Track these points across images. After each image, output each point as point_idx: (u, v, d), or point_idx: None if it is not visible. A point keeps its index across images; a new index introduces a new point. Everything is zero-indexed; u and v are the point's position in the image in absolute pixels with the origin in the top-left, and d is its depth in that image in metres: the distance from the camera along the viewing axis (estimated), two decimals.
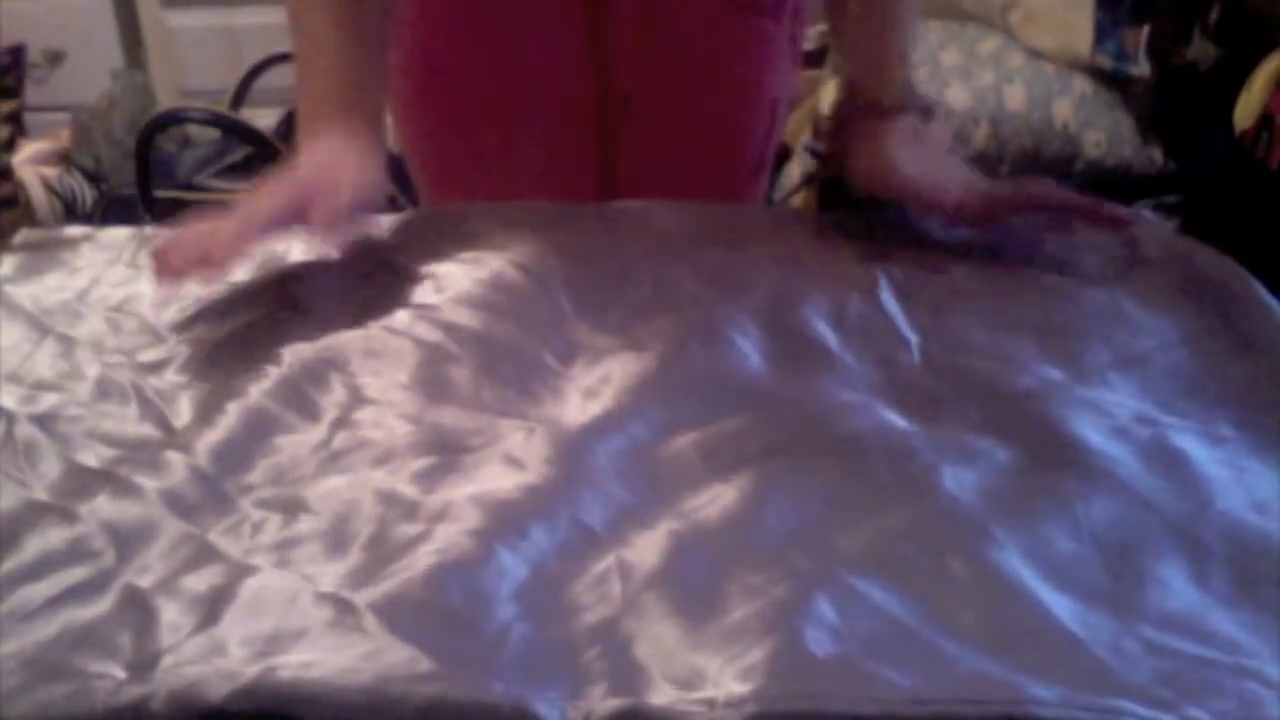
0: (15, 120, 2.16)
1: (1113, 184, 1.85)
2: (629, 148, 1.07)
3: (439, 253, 0.87)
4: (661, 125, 1.06)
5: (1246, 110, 1.50)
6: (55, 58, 2.52)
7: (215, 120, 1.72)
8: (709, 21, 1.04)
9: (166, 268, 0.73)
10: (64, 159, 2.09)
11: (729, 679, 0.48)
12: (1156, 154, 1.85)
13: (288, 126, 1.80)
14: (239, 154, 1.78)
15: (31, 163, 2.06)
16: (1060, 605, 0.53)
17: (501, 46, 1.03)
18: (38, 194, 2.00)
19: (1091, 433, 0.65)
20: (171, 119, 1.72)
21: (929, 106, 0.93)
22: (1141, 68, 1.82)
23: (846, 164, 0.91)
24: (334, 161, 0.82)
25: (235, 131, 1.72)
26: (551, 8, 1.02)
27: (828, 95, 1.03)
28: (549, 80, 1.04)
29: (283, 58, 1.88)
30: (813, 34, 1.62)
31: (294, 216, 0.78)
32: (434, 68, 1.04)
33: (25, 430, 0.65)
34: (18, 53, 2.23)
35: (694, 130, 1.07)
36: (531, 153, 1.06)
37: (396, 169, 1.69)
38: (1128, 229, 0.86)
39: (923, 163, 0.88)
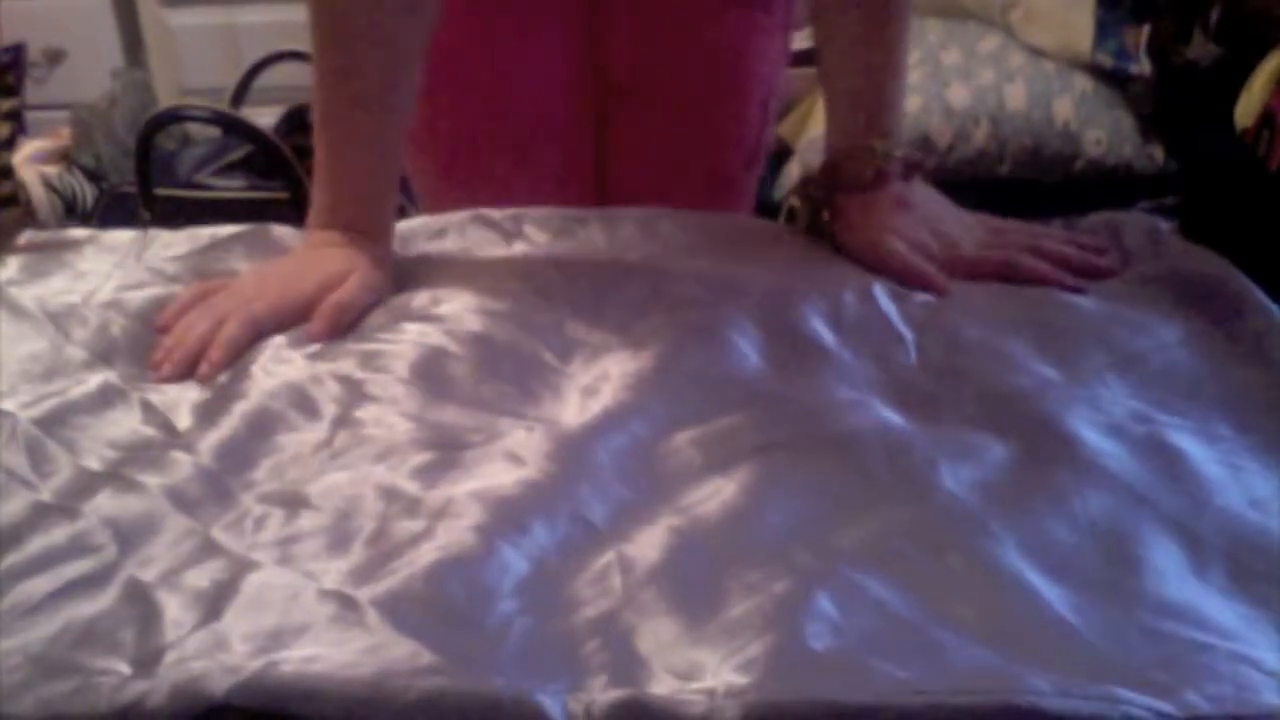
0: (15, 118, 2.16)
1: (1113, 183, 1.85)
2: (625, 138, 1.08)
3: (439, 255, 0.88)
4: (658, 116, 1.07)
5: (1247, 109, 1.50)
6: (55, 56, 2.52)
7: (215, 118, 1.71)
8: (704, 12, 1.04)
9: (159, 374, 0.73)
10: (64, 157, 2.09)
11: (729, 672, 0.49)
12: (1157, 153, 1.85)
13: (288, 124, 1.79)
14: (239, 152, 1.78)
15: (32, 161, 2.06)
16: (1057, 596, 0.53)
17: (499, 39, 1.02)
18: (38, 192, 2.00)
19: (1088, 430, 0.66)
20: (172, 117, 1.71)
21: (914, 163, 0.90)
22: (1142, 66, 1.82)
23: (835, 237, 0.90)
24: (344, 267, 0.81)
25: (235, 130, 1.71)
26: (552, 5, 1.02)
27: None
28: (547, 71, 1.04)
29: (282, 56, 1.88)
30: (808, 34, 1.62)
31: (295, 323, 0.78)
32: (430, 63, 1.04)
33: (29, 432, 0.65)
34: (18, 51, 2.23)
35: (690, 121, 1.07)
36: (529, 143, 1.05)
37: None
38: (1110, 276, 0.84)
39: (910, 232, 0.86)
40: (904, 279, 0.84)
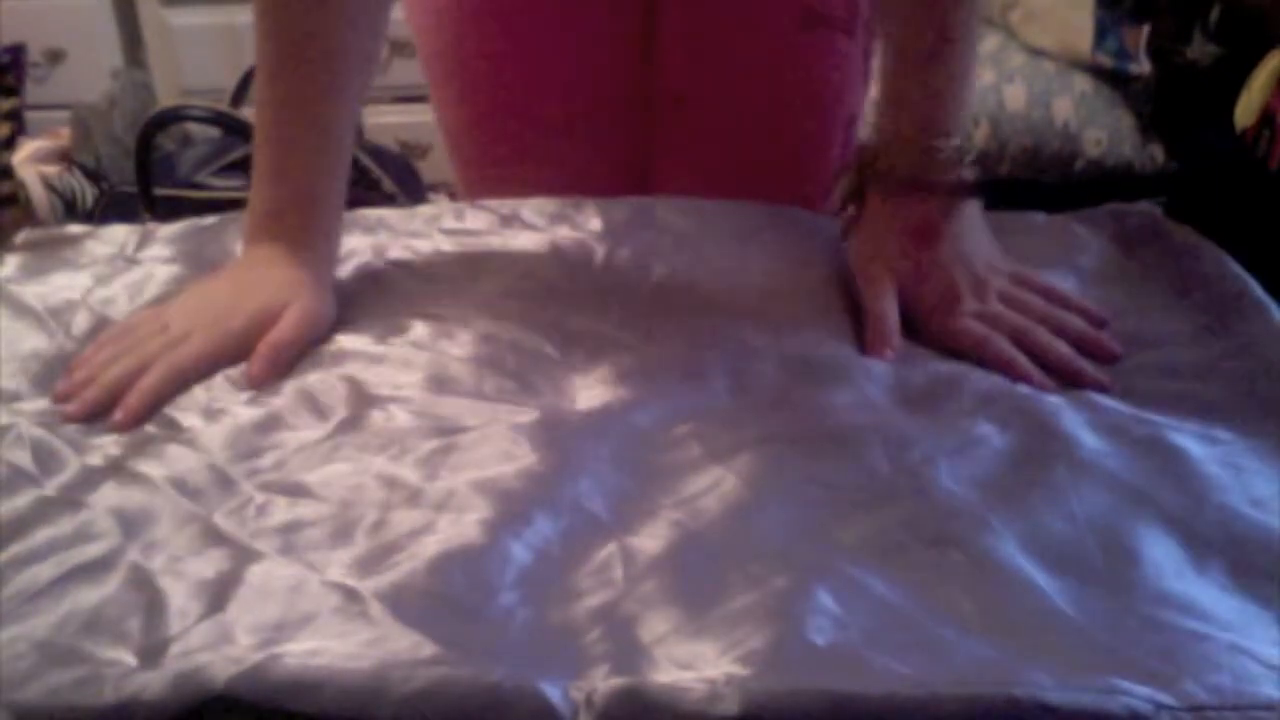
0: (16, 119, 2.16)
1: (1112, 183, 1.85)
2: (676, 146, 1.03)
3: (441, 247, 0.88)
4: (717, 129, 1.01)
5: (1247, 109, 1.50)
6: (55, 56, 2.53)
7: (215, 118, 1.71)
8: (781, 38, 0.99)
9: (66, 413, 0.68)
10: (64, 157, 2.08)
11: (729, 664, 0.49)
12: (1156, 153, 1.86)
13: None
14: (239, 152, 1.78)
15: (32, 161, 2.06)
16: (1057, 589, 0.54)
17: (539, 20, 1.00)
18: (38, 192, 2.00)
19: (1086, 430, 0.65)
20: (171, 117, 1.71)
21: (959, 187, 0.77)
22: (1142, 66, 1.82)
23: (848, 239, 0.81)
24: (283, 297, 0.74)
25: (235, 129, 1.71)
26: (604, 5, 1.00)
27: None
28: (598, 77, 1.02)
29: None
30: None
31: (225, 366, 0.72)
32: (476, 55, 1.03)
33: (33, 431, 0.65)
34: (18, 51, 2.23)
35: (764, 147, 1.02)
36: (562, 134, 1.03)
37: (398, 167, 1.69)
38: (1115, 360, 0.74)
39: (896, 272, 0.76)
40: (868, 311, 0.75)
